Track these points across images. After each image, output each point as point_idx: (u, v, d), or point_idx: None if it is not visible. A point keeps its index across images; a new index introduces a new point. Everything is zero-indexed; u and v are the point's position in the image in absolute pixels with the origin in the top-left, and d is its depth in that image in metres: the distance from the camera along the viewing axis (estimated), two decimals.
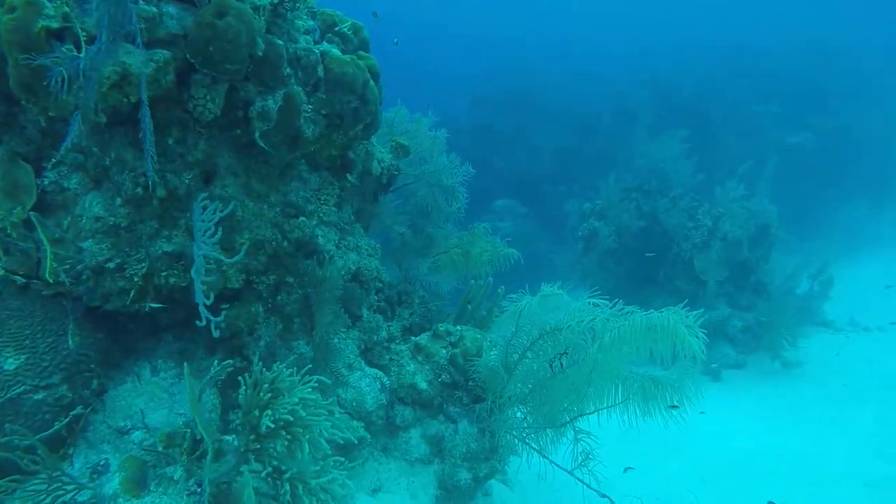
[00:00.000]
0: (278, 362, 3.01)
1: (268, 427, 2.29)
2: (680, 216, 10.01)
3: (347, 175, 3.80)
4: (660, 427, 6.98)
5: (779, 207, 15.55)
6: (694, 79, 17.94)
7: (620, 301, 3.99)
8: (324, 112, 3.15)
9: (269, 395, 2.40)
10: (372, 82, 3.31)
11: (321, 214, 3.42)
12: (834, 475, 5.75)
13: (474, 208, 21.80)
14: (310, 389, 2.52)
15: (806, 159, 15.16)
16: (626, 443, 5.40)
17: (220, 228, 2.69)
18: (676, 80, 18.11)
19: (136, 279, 2.77)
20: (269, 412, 2.33)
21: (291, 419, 2.34)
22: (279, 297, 3.52)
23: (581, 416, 4.02)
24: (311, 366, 3.01)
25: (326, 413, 2.51)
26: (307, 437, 2.33)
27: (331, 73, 3.08)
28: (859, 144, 16.11)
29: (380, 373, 4.07)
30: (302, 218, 3.32)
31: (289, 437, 2.33)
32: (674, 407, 4.92)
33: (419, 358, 4.37)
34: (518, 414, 4.05)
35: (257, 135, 2.85)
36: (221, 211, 2.69)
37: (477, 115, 24.02)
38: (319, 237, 3.54)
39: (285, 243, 3.31)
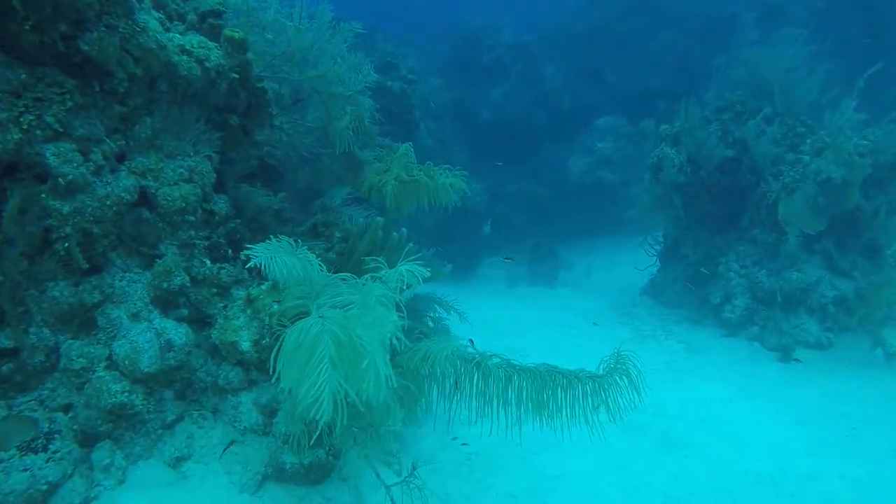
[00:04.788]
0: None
1: None
2: (772, 146, 7.61)
3: (114, 77, 2.91)
4: (658, 423, 5.56)
5: None
6: None
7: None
8: None
9: None
10: None
11: (26, 124, 2.60)
12: None
13: (577, 125, 19.55)
14: None
15: None
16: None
17: None
18: None
19: None
20: None
21: None
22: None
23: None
24: None
25: None
26: None
27: None
28: None
29: (174, 326, 3.34)
30: None
31: None
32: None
33: (248, 312, 3.56)
34: None
35: None
36: None
37: (594, 17, 21.00)
38: (49, 155, 2.76)
39: None
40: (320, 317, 1.92)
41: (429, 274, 2.54)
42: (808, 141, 7.69)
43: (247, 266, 2.56)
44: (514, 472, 4.66)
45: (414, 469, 3.31)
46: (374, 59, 14.63)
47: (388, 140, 4.79)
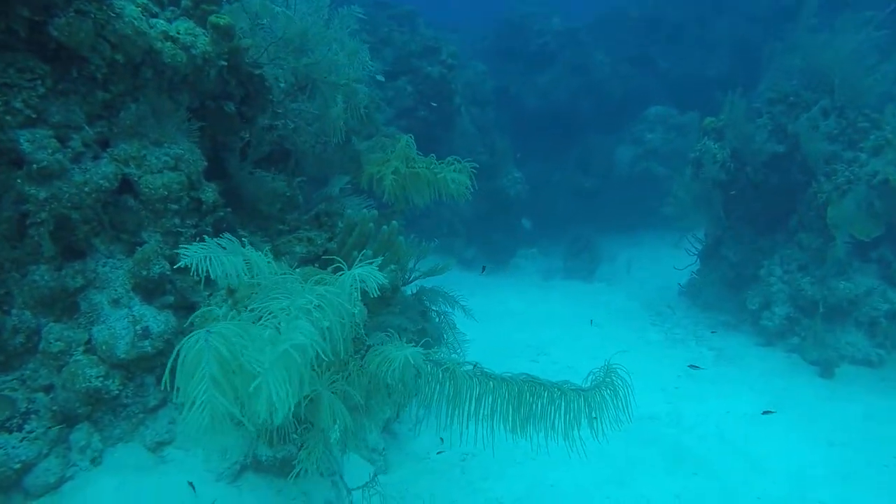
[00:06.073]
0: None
1: None
2: (826, 142, 6.99)
3: (91, 64, 2.90)
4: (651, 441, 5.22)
5: None
6: None
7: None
8: None
9: None
10: None
11: None
12: None
13: (626, 115, 18.80)
14: None
15: None
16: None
17: None
18: None
19: None
20: None
21: None
22: None
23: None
24: None
25: None
26: None
27: None
28: None
29: (154, 313, 3.34)
30: None
31: None
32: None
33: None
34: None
35: None
36: None
37: (646, 3, 20.01)
38: (23, 141, 2.78)
39: None
40: (207, 331, 1.82)
41: (385, 280, 2.39)
42: (872, 137, 7.01)
43: (175, 266, 2.50)
44: (508, 477, 4.50)
45: (375, 476, 3.20)
46: (415, 43, 14.41)
47: (392, 129, 4.65)
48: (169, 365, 1.76)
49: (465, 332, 5.96)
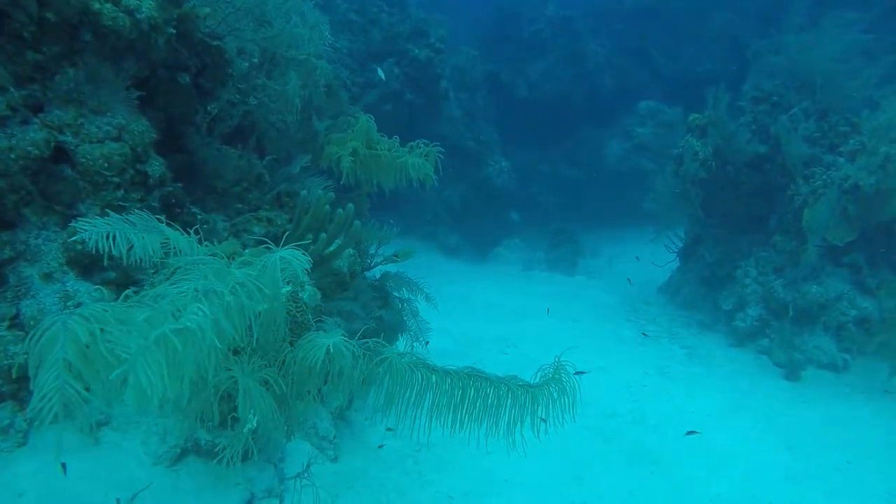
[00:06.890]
0: None
1: None
2: (804, 145, 6.92)
3: (14, 19, 2.72)
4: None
5: None
6: None
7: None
8: None
9: None
10: None
11: None
12: None
13: (617, 108, 18.50)
14: None
15: None
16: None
17: None
18: None
19: None
20: None
21: None
22: None
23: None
24: None
25: None
26: None
27: None
28: None
29: (89, 290, 3.20)
30: None
31: None
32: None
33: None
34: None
35: None
36: None
37: None
38: None
39: None
40: (70, 312, 1.69)
41: (308, 264, 2.26)
42: (851, 142, 6.94)
43: (71, 238, 2.38)
44: (461, 470, 4.42)
45: (308, 467, 3.11)
46: (403, 25, 14.07)
47: (356, 109, 4.50)
48: (27, 348, 1.63)
49: (438, 321, 5.87)
